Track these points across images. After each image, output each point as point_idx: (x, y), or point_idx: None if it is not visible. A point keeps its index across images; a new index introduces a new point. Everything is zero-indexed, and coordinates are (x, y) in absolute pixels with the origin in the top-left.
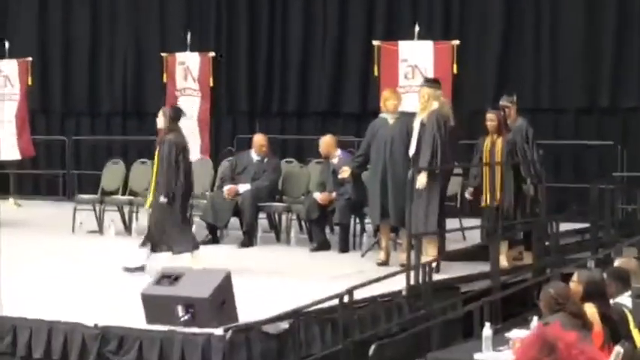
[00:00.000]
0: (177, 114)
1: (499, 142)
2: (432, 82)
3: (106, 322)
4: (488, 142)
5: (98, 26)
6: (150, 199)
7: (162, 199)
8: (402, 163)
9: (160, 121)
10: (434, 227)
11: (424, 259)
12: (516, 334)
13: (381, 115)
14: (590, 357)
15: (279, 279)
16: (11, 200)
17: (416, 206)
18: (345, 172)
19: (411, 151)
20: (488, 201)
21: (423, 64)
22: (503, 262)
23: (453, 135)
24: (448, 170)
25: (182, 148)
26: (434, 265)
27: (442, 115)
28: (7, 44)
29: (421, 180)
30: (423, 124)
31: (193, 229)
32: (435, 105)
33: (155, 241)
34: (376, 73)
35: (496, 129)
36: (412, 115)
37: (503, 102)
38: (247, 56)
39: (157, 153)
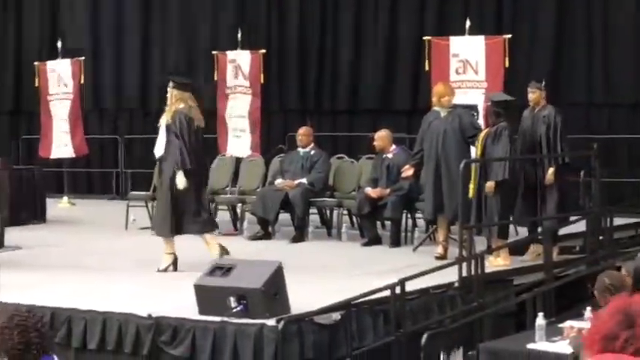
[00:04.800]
0: None
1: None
2: (180, 84)
3: (160, 313)
4: (484, 133)
5: (149, 25)
6: None
7: None
8: (455, 155)
9: None
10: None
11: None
12: (570, 324)
13: (434, 108)
14: None
15: (330, 272)
16: (65, 199)
17: None
18: (408, 171)
19: (158, 152)
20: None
21: (474, 58)
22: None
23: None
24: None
25: None
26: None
27: (186, 116)
28: (59, 43)
29: (180, 180)
30: (167, 125)
31: (245, 224)
32: (181, 106)
33: None
34: (427, 69)
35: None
36: (466, 108)
37: (530, 88)
38: (298, 53)
39: None
